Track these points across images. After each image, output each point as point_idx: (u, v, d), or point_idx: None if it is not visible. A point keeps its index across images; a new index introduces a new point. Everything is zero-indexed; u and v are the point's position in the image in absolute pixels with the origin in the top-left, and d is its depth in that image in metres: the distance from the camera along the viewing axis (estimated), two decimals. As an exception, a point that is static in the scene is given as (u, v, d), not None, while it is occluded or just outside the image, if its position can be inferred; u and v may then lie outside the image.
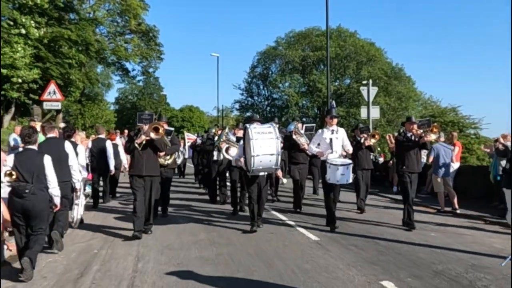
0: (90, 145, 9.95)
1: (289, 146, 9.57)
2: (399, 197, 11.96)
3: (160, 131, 6.79)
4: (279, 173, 9.36)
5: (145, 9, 33.60)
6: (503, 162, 9.74)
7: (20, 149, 6.23)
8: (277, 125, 8.33)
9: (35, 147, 5.17)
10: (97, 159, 9.91)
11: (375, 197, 12.27)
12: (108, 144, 10.07)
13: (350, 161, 7.59)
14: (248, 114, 40.13)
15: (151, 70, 39.00)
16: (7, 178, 4.70)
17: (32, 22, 21.70)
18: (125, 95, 62.00)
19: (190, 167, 18.57)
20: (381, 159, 15.96)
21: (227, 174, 10.50)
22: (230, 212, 9.29)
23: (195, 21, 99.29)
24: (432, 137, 7.88)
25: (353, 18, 74.74)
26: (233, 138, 9.77)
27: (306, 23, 78.41)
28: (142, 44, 35.45)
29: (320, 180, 8.62)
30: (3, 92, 21.46)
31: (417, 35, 77.13)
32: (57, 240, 5.94)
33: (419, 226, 8.01)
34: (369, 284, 4.69)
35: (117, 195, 11.56)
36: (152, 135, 6.76)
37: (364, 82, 18.98)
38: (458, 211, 9.75)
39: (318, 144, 7.84)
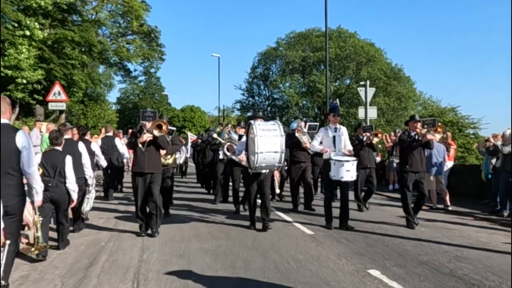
0: (99, 142, 10.53)
1: (291, 144, 9.38)
2: (395, 195, 12.40)
3: (164, 128, 6.78)
4: (277, 175, 9.30)
5: (147, 10, 34.03)
6: (494, 161, 10.13)
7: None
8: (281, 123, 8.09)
9: (60, 148, 6.02)
10: (107, 154, 10.53)
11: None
12: (117, 141, 11.07)
13: (355, 158, 7.61)
14: (249, 114, 40.57)
15: (152, 70, 39.52)
16: None
17: (36, 24, 22.12)
18: (126, 95, 62.37)
19: (191, 167, 18.93)
20: (378, 158, 16.30)
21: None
22: (231, 210, 9.42)
23: (196, 22, 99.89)
24: (436, 136, 7.85)
25: (353, 18, 75.14)
26: (235, 137, 9.57)
27: (306, 24, 78.92)
28: (144, 45, 35.86)
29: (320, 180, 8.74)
30: (8, 93, 21.87)
31: (417, 35, 77.46)
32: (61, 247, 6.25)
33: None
34: (357, 272, 5.07)
35: (124, 189, 12.10)
36: (155, 132, 6.76)
37: (362, 83, 19.31)
38: (450, 208, 10.12)
39: (321, 142, 7.81)
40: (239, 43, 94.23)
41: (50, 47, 23.87)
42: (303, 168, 9.44)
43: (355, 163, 7.44)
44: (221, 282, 4.76)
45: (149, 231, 6.94)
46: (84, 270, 5.22)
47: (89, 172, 6.94)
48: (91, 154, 7.96)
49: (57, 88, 15.42)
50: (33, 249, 4.76)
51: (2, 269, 3.37)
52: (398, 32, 76.56)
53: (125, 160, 11.15)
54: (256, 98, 43.57)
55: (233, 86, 70.47)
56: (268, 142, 6.74)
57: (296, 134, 9.47)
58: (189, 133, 18.47)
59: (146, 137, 6.82)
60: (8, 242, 3.51)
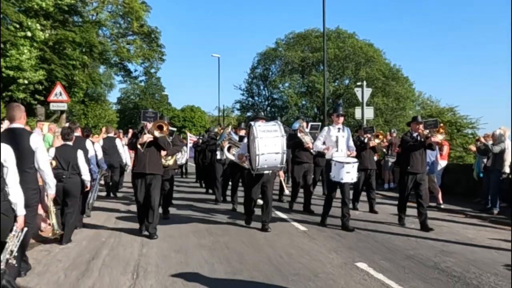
0: (101, 143, 10.85)
1: (293, 144, 9.33)
2: (390, 194, 12.67)
3: (164, 129, 6.77)
4: (282, 175, 9.14)
5: (147, 11, 34.31)
6: (485, 160, 10.39)
7: None
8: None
9: (71, 143, 6.63)
10: (108, 155, 10.89)
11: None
12: (118, 142, 11.47)
13: (355, 160, 7.57)
14: (249, 114, 40.87)
15: (152, 71, 39.76)
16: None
17: (37, 25, 22.44)
18: (127, 95, 62.66)
19: (191, 167, 19.15)
20: (375, 158, 16.53)
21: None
22: (230, 210, 9.51)
23: (196, 23, 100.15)
24: (438, 137, 7.68)
25: (352, 19, 75.42)
26: (236, 138, 9.53)
27: (306, 24, 79.06)
28: (144, 45, 36.11)
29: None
30: (9, 93, 22.17)
31: (416, 36, 77.68)
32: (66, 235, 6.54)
33: (402, 219, 8.66)
34: (345, 265, 5.34)
35: (124, 189, 12.40)
36: (156, 133, 6.74)
37: (359, 83, 19.56)
38: (442, 206, 10.37)
39: (324, 142, 7.80)
40: (238, 44, 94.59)
41: (51, 48, 24.19)
42: (305, 168, 9.39)
43: (356, 165, 7.42)
44: (216, 274, 5.02)
45: (146, 233, 6.94)
46: (86, 263, 5.49)
47: (94, 168, 7.58)
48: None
49: (58, 88, 15.67)
50: (50, 234, 5.30)
51: (15, 249, 3.92)
52: (397, 32, 76.83)
53: (123, 161, 11.53)
54: (256, 98, 43.84)
55: (233, 86, 70.76)
56: (269, 144, 6.71)
57: (298, 135, 9.42)
58: (188, 134, 18.69)
59: (146, 137, 6.79)
60: (25, 228, 4.00)
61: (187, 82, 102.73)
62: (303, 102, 39.55)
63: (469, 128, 33.77)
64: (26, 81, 21.59)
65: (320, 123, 11.28)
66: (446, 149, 12.26)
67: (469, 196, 11.49)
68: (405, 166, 7.80)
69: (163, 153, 7.34)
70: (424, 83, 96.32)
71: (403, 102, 36.37)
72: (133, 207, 7.97)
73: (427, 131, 7.65)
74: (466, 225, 8.33)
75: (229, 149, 9.36)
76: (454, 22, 73.71)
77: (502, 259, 5.72)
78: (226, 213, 9.25)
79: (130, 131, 10.84)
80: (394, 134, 14.08)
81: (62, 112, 23.36)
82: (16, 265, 4.08)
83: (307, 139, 9.33)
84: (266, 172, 7.21)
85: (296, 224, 8.02)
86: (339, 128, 7.72)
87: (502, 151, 9.47)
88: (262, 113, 9.95)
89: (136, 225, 7.38)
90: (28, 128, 6.24)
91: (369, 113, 17.60)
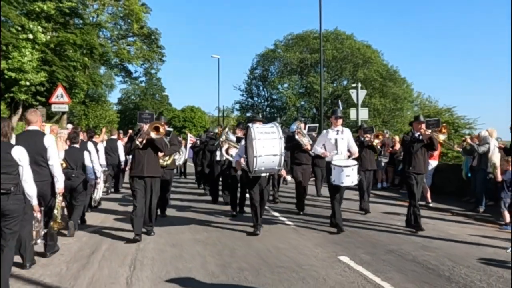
0: (104, 144, 11.44)
1: (292, 146, 9.27)
2: (383, 193, 13.03)
3: (161, 130, 6.74)
4: (283, 172, 8.94)
5: (147, 12, 34.71)
6: (472, 160, 10.74)
7: None
8: (280, 125, 7.74)
9: (78, 145, 7.45)
10: (111, 155, 11.70)
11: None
12: (119, 144, 12.13)
13: (355, 162, 7.43)
14: (248, 114, 41.21)
15: (153, 71, 40.22)
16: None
17: (39, 27, 22.83)
18: (127, 96, 63.07)
19: (190, 167, 19.46)
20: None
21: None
22: (228, 212, 9.38)
23: (196, 24, 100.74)
24: (440, 137, 7.63)
25: (350, 20, 75.81)
26: (233, 138, 9.41)
27: (304, 26, 79.52)
28: (144, 46, 36.54)
29: (324, 181, 8.67)
30: (11, 95, 22.58)
31: (414, 36, 78.00)
32: (70, 228, 7.01)
33: (390, 217, 9.06)
34: (328, 258, 5.72)
35: (122, 190, 12.77)
36: (153, 134, 6.70)
37: (354, 85, 19.93)
38: (430, 205, 10.71)
39: (323, 145, 7.71)
40: (238, 45, 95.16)
41: (52, 50, 24.59)
42: (305, 169, 9.42)
43: (356, 167, 7.28)
44: (208, 266, 5.40)
45: (144, 230, 6.95)
46: (87, 257, 5.86)
47: (97, 167, 8.07)
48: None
49: (59, 90, 16.06)
50: (52, 223, 5.61)
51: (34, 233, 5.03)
52: (395, 33, 77.18)
53: (122, 163, 12.24)
54: (255, 98, 44.25)
55: (232, 87, 71.21)
56: (267, 145, 6.64)
57: (296, 136, 9.39)
58: (189, 134, 19.00)
59: (145, 134, 6.73)
60: (39, 215, 4.96)
61: (187, 82, 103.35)
62: (302, 103, 39.93)
63: (467, 129, 34.17)
64: (28, 83, 21.97)
65: (317, 125, 11.30)
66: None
67: (460, 195, 11.82)
68: (407, 167, 7.68)
69: (161, 153, 7.30)
70: (423, 84, 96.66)
71: (401, 103, 36.74)
72: (130, 206, 7.77)
73: (429, 130, 7.54)
74: (451, 222, 8.68)
75: (227, 150, 9.32)
76: (454, 22, 74.03)
77: (477, 254, 6.08)
78: (223, 213, 9.51)
79: (130, 131, 11.17)
80: (387, 135, 14.41)
81: (63, 113, 23.81)
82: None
83: (305, 141, 9.34)
84: (263, 175, 7.18)
85: (286, 220, 8.38)
86: (338, 131, 7.58)
87: (487, 152, 9.82)
88: (260, 115, 9.68)
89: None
90: (53, 131, 7.15)
91: (364, 114, 17.95)
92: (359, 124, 16.74)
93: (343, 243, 6.56)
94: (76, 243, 6.60)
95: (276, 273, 5.09)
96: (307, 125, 10.37)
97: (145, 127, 6.81)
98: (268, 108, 42.64)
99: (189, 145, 17.28)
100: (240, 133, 9.68)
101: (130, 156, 7.29)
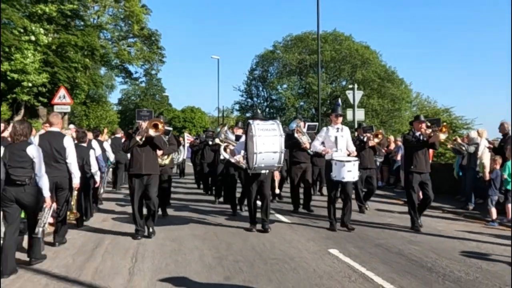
0: (109, 142, 12.32)
1: (291, 145, 9.22)
2: (378, 192, 13.26)
3: (160, 127, 6.70)
4: (277, 175, 9.22)
5: (148, 14, 35.09)
6: (461, 159, 11.08)
7: None
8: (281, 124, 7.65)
9: (85, 144, 8.15)
10: (115, 153, 12.13)
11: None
12: (123, 142, 12.64)
13: (356, 158, 7.54)
14: (248, 114, 41.55)
15: (153, 72, 40.59)
16: None
17: (41, 29, 23.15)
18: (128, 96, 63.41)
19: (189, 167, 19.75)
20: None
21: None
22: (228, 211, 9.53)
23: (196, 25, 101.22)
24: (441, 137, 7.63)
25: (348, 21, 76.19)
26: (232, 137, 9.45)
27: (303, 27, 79.79)
28: (144, 47, 36.91)
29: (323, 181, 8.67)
30: (14, 95, 22.92)
31: (414, 37, 78.36)
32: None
33: (382, 214, 9.40)
34: (319, 251, 6.07)
35: (122, 190, 13.12)
36: (151, 132, 6.67)
37: (350, 86, 20.27)
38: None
39: (322, 143, 7.76)
40: (237, 46, 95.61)
41: (54, 51, 24.93)
42: (303, 168, 9.39)
43: (357, 163, 7.38)
44: (205, 258, 5.74)
45: (146, 233, 7.01)
46: (91, 251, 6.20)
47: (102, 163, 9.10)
48: (103, 151, 10.36)
49: (62, 91, 16.38)
50: (69, 213, 6.52)
51: (47, 222, 5.66)
52: (394, 34, 77.51)
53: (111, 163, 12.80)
54: (255, 99, 44.57)
55: (232, 87, 71.61)
56: (267, 142, 6.66)
57: (296, 135, 9.40)
58: (186, 134, 19.30)
59: (144, 132, 6.74)
60: (54, 205, 5.81)
61: (187, 83, 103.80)
62: (301, 103, 40.24)
63: (464, 129, 34.51)
64: (30, 84, 22.29)
65: (316, 123, 11.42)
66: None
67: (451, 194, 12.15)
68: (408, 166, 7.74)
69: (159, 152, 7.29)
70: (422, 84, 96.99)
71: (398, 104, 37.06)
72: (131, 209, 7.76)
73: (430, 130, 7.60)
74: (440, 219, 9.00)
75: (225, 148, 9.32)
76: (453, 22, 74.33)
77: (460, 247, 6.43)
78: (222, 212, 9.67)
79: (130, 132, 11.51)
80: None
81: (64, 114, 24.13)
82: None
83: (304, 139, 9.35)
84: (263, 172, 7.20)
85: (281, 217, 8.72)
86: (338, 128, 7.63)
87: (477, 151, 10.16)
88: (260, 112, 9.49)
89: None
90: (70, 133, 7.76)
91: (360, 114, 18.28)
92: (355, 124, 17.10)
93: (334, 238, 6.91)
94: (80, 239, 6.94)
95: (269, 264, 5.44)
96: (306, 124, 10.41)
97: (144, 124, 6.77)
98: (267, 109, 42.96)
99: (186, 145, 17.53)
100: (238, 132, 9.70)
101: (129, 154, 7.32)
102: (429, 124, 7.80)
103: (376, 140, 9.92)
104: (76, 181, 6.30)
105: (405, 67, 79.59)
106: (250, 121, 7.12)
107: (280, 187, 10.71)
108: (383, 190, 13.89)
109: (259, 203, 7.63)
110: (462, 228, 7.98)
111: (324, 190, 11.20)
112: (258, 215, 7.60)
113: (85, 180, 7.74)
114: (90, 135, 9.23)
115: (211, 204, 10.79)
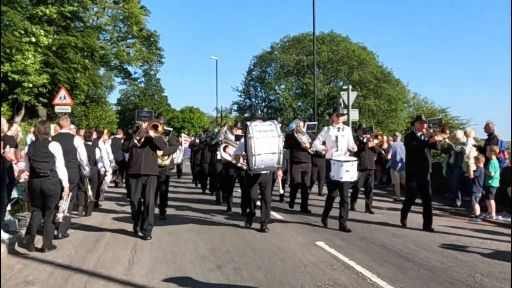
0: (110, 142, 12.72)
1: (291, 145, 9.28)
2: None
3: (159, 128, 6.72)
4: (280, 175, 9.18)
5: (146, 15, 35.39)
6: (448, 158, 11.48)
7: None
8: (279, 124, 7.82)
9: (91, 143, 8.97)
10: (115, 152, 12.59)
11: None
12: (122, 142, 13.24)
13: (355, 158, 7.57)
14: (246, 115, 41.93)
15: (152, 73, 40.92)
16: None
17: (41, 31, 23.55)
18: (127, 96, 63.69)
19: (187, 167, 20.10)
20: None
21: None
22: (225, 210, 9.69)
23: (194, 26, 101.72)
24: (442, 137, 7.64)
25: (345, 22, 76.75)
26: (232, 137, 9.50)
27: (300, 28, 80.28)
28: (143, 48, 37.20)
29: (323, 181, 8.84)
30: (15, 96, 23.31)
31: (412, 37, 78.81)
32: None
33: (372, 210, 9.74)
34: (307, 243, 6.48)
35: (122, 189, 13.50)
36: (151, 132, 6.68)
37: (345, 87, 20.66)
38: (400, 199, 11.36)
39: (324, 142, 7.78)
40: (236, 47, 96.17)
41: (54, 53, 25.34)
42: (304, 168, 9.40)
43: (355, 163, 7.37)
44: (200, 250, 6.15)
45: (141, 234, 6.98)
46: (93, 243, 6.60)
47: (106, 162, 9.78)
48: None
49: (62, 92, 16.77)
50: (87, 200, 8.33)
51: (66, 208, 6.52)
52: (392, 34, 77.98)
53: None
54: (253, 99, 44.91)
55: (230, 87, 71.97)
56: (265, 144, 6.67)
57: (295, 135, 9.42)
58: (183, 135, 19.58)
59: (143, 132, 6.75)
60: (70, 193, 6.58)
61: (186, 83, 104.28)
62: (299, 104, 40.62)
63: (460, 129, 34.98)
64: (30, 85, 22.72)
65: (316, 123, 11.61)
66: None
67: (440, 192, 12.52)
68: (409, 166, 7.80)
69: (159, 153, 7.28)
70: (419, 85, 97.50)
71: (395, 104, 37.43)
72: (129, 209, 7.84)
73: (431, 130, 7.60)
74: (426, 215, 9.38)
75: (224, 148, 9.44)
76: (452, 22, 74.78)
77: (440, 240, 6.84)
78: (220, 211, 9.83)
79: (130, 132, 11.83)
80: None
81: (64, 114, 24.50)
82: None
83: (304, 139, 9.36)
84: (264, 172, 7.22)
85: (274, 213, 9.04)
86: (339, 128, 7.64)
87: (463, 150, 10.56)
88: (260, 112, 9.51)
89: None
90: (80, 134, 8.91)
91: (354, 115, 18.67)
92: (350, 124, 17.49)
93: (322, 232, 7.32)
94: (83, 233, 7.33)
95: (259, 254, 5.84)
96: (306, 123, 10.38)
97: (144, 125, 6.79)
98: (265, 109, 43.33)
99: (185, 145, 17.82)
100: (237, 132, 9.70)
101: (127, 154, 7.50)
102: (430, 124, 7.82)
103: (376, 141, 10.00)
104: (87, 173, 7.58)
105: (402, 68, 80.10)
106: (248, 122, 7.15)
107: (283, 187, 10.75)
108: (376, 188, 14.22)
109: (259, 203, 7.69)
110: (446, 224, 8.37)
111: (324, 190, 11.10)
112: (258, 215, 7.68)
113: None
114: (94, 135, 9.96)
115: (208, 203, 11.01)
